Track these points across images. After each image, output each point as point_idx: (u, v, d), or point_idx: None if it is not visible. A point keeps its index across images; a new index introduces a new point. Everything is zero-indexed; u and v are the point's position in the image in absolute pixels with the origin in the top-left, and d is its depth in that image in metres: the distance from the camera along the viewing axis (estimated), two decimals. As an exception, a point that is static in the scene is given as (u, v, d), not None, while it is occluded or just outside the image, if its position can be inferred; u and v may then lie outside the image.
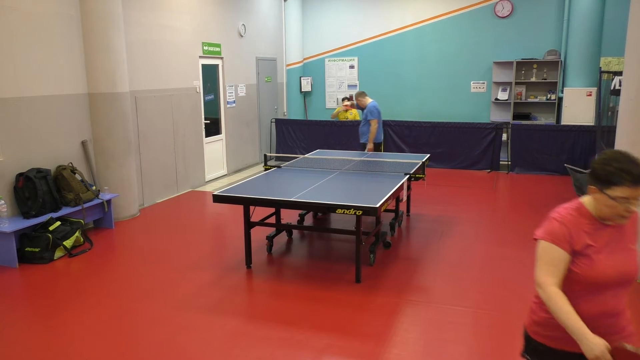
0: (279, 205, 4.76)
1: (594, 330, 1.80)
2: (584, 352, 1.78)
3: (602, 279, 1.89)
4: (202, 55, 8.32)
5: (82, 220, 5.56)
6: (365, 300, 4.15)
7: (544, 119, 10.12)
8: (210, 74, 8.73)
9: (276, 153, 10.46)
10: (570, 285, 1.92)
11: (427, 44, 10.91)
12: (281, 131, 10.53)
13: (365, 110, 7.36)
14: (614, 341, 1.79)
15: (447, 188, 8.00)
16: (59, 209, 5.46)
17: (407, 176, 5.29)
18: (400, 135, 9.67)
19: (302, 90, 11.84)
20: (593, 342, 1.75)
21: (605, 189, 1.84)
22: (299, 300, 4.15)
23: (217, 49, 8.73)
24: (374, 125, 7.18)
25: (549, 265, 1.91)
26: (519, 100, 10.21)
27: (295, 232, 5.89)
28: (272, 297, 4.28)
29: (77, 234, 5.37)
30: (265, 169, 5.88)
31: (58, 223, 5.25)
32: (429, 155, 6.73)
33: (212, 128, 8.86)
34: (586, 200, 1.97)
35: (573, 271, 1.91)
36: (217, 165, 9.13)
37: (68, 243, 5.23)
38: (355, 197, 4.53)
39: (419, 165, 5.77)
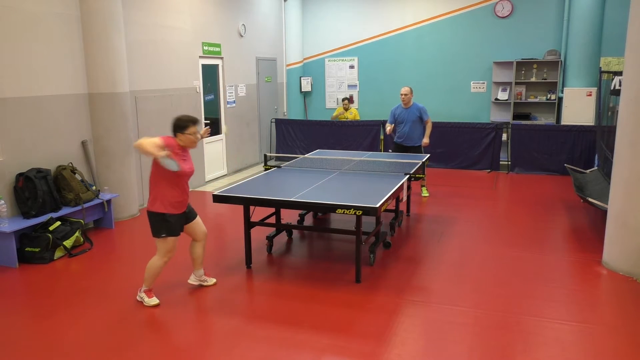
0: (279, 205, 4.77)
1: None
2: None
3: None
4: (202, 55, 8.32)
5: (82, 220, 5.56)
6: (365, 300, 4.15)
7: (544, 119, 10.12)
8: (210, 74, 8.72)
9: (276, 153, 10.46)
10: None
11: (427, 44, 10.90)
12: (281, 131, 10.53)
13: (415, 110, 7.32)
14: None
15: (447, 188, 7.99)
16: (59, 209, 5.46)
17: (407, 176, 5.29)
18: (400, 135, 9.66)
19: (302, 90, 11.84)
20: None
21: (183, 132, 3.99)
22: (299, 300, 4.15)
23: (217, 49, 8.73)
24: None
25: None
26: (519, 100, 10.21)
27: (295, 232, 5.89)
28: (272, 297, 4.28)
29: (77, 234, 5.37)
30: (265, 169, 5.88)
31: (58, 223, 5.25)
32: (428, 155, 6.74)
33: (212, 128, 8.85)
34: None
35: None
36: (217, 165, 9.13)
37: (68, 243, 5.23)
38: (355, 197, 4.53)
39: (419, 165, 5.77)
